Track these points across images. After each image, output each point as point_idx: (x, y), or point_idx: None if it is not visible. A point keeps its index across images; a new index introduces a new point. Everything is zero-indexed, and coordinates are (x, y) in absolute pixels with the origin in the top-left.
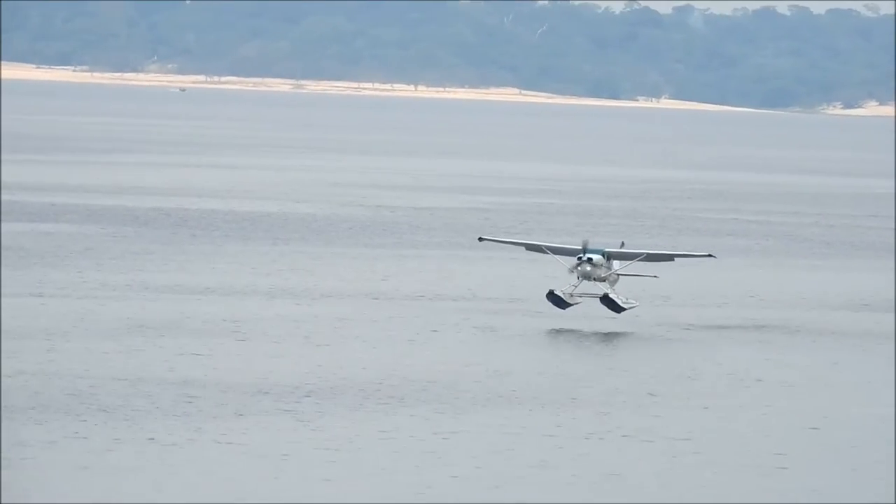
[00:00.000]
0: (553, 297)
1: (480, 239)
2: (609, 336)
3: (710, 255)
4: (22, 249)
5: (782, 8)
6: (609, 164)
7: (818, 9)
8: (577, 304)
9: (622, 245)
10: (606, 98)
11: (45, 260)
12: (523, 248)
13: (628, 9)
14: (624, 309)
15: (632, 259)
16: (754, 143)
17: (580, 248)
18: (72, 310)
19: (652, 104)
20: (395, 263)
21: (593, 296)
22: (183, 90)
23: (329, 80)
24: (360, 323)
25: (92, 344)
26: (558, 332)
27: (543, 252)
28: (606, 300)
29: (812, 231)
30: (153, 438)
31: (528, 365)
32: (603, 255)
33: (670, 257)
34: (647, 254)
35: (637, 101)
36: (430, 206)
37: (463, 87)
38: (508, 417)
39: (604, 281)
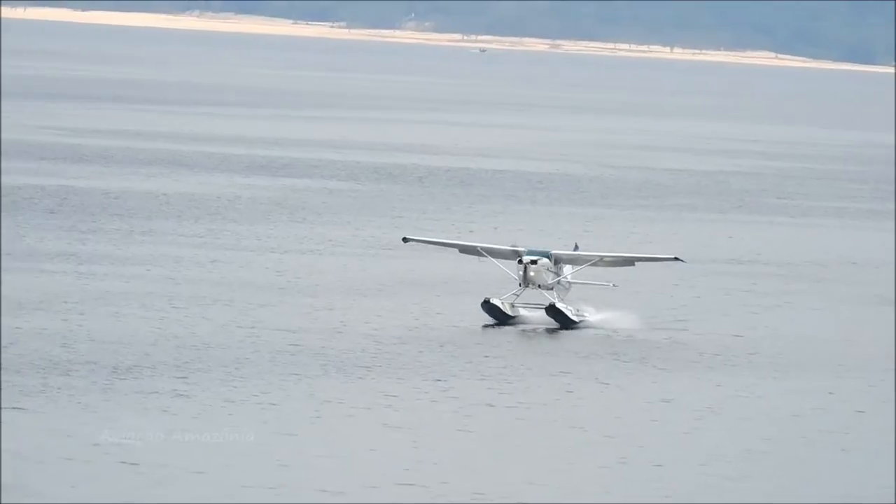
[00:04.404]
0: (489, 307)
1: (405, 240)
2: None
3: (676, 259)
4: (294, 206)
5: None
6: (874, 129)
7: None
8: (518, 315)
9: (575, 247)
10: (861, 63)
11: (320, 217)
12: (456, 251)
13: None
14: (574, 322)
15: (584, 263)
16: None
17: (522, 249)
18: (339, 265)
19: None
20: (656, 225)
21: (538, 306)
22: (483, 51)
23: (585, 39)
24: (634, 282)
25: (357, 301)
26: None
27: (479, 255)
28: (553, 311)
29: None
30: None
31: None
32: (549, 259)
33: (630, 261)
34: (603, 257)
35: (893, 66)
36: (694, 168)
37: (718, 49)
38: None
39: (551, 289)
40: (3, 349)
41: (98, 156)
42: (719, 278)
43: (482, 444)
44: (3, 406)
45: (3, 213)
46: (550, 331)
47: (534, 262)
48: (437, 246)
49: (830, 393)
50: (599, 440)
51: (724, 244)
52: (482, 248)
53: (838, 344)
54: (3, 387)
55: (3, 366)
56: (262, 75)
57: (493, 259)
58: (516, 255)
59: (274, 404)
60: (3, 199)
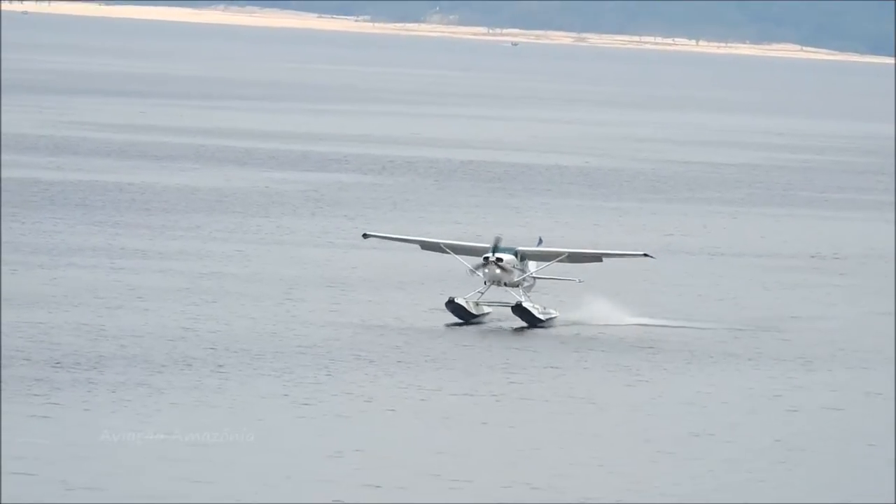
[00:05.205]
0: (454, 307)
1: (365, 235)
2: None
3: (646, 255)
4: (323, 200)
5: None
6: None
7: None
8: (484, 314)
9: (539, 242)
10: (887, 55)
11: (350, 211)
12: (418, 247)
13: None
14: (541, 321)
15: (551, 259)
16: None
17: (487, 245)
18: (368, 259)
19: None
20: (686, 219)
21: (504, 304)
22: (515, 44)
23: (610, 33)
24: (659, 274)
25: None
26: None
27: (442, 251)
28: (520, 310)
29: None
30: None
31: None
32: (515, 255)
33: (598, 257)
34: (570, 253)
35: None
36: (724, 161)
37: (744, 42)
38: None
39: (517, 286)
40: (33, 344)
41: (126, 151)
42: (751, 271)
43: (519, 438)
44: (34, 402)
45: (33, 209)
46: (574, 326)
47: (499, 259)
48: (398, 242)
49: (862, 386)
50: (636, 433)
51: (754, 237)
52: (445, 245)
53: (870, 338)
54: (31, 382)
55: (31, 360)
56: (288, 69)
57: (456, 256)
58: (482, 252)
59: (306, 399)
60: (32, 194)
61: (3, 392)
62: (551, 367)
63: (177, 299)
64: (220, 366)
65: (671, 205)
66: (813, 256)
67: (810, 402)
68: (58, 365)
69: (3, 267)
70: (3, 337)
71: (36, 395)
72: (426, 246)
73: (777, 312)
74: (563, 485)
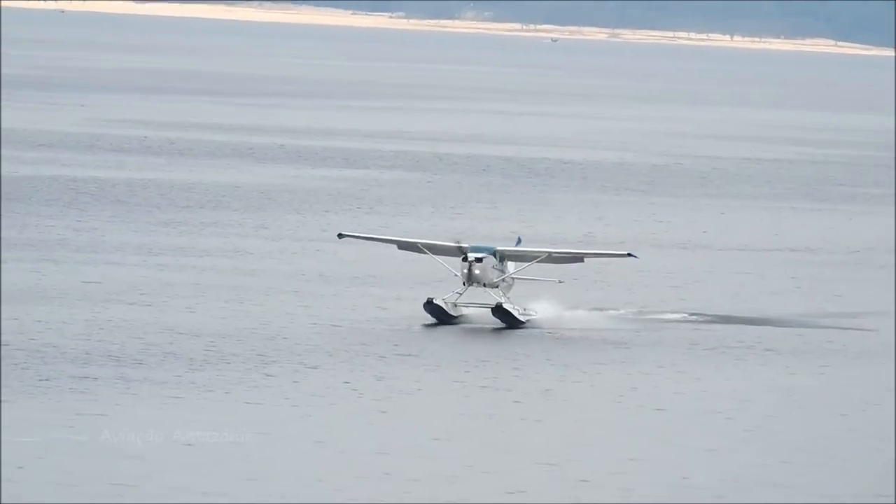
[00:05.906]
0: (432, 308)
1: (340, 235)
2: None
3: (629, 255)
4: (360, 196)
5: None
6: None
7: None
8: (461, 315)
9: (518, 242)
10: None
11: (387, 208)
12: (395, 247)
13: None
14: (521, 322)
15: (530, 260)
16: None
17: (465, 245)
18: (407, 256)
19: None
20: (723, 213)
21: (483, 305)
22: (555, 41)
23: (644, 28)
24: (685, 271)
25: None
26: None
27: (420, 251)
28: (500, 311)
29: None
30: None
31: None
32: (494, 255)
33: (579, 258)
34: (550, 254)
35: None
36: (760, 157)
37: (778, 37)
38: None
39: (496, 287)
40: (72, 341)
41: (164, 148)
42: (790, 267)
43: (564, 435)
44: (78, 398)
45: (72, 206)
46: (612, 322)
47: (479, 259)
48: (374, 242)
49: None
50: (680, 430)
51: (792, 232)
52: (422, 245)
53: None
54: (74, 378)
55: (71, 358)
56: (322, 66)
57: (434, 256)
58: (460, 252)
59: (352, 395)
60: (73, 192)
61: (37, 389)
62: (596, 364)
63: (218, 296)
64: (263, 363)
65: (707, 200)
66: (854, 252)
67: (853, 398)
68: (101, 362)
69: (42, 265)
70: (34, 334)
71: (83, 391)
72: (403, 246)
73: (819, 309)
74: (610, 482)
